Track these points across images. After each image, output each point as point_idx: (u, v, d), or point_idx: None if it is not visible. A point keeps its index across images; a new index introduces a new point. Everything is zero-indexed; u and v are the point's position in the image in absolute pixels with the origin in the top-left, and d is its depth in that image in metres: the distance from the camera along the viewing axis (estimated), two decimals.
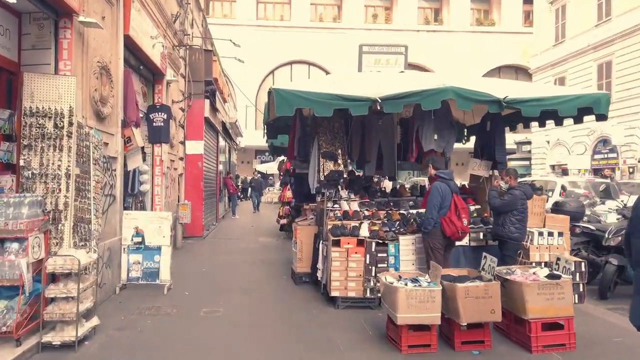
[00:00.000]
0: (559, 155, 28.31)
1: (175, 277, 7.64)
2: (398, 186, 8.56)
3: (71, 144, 5.21)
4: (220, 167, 19.58)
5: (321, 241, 7.08)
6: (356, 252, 6.41)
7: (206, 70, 12.54)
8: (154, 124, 9.65)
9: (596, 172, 24.88)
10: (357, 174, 9.83)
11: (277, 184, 30.95)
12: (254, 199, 22.43)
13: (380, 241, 6.48)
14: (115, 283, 6.92)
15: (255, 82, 34.85)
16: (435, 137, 6.91)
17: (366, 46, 16.10)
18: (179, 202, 11.77)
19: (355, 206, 7.51)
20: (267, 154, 36.29)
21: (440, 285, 4.82)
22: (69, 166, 5.19)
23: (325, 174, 7.12)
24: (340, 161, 7.27)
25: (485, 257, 5.22)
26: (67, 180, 5.16)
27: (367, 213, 7.28)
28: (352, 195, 7.81)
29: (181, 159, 12.29)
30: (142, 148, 9.61)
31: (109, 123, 6.68)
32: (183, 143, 12.41)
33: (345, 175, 7.74)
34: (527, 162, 30.96)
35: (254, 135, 33.17)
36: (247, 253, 10.97)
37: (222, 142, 19.58)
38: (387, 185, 13.25)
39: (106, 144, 6.56)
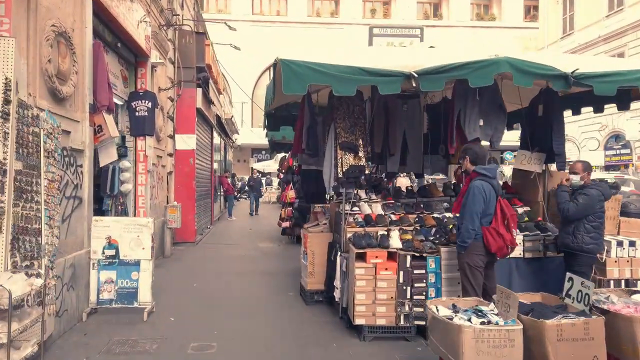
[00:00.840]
0: (567, 151, 27.12)
1: (160, 295, 6.27)
2: (427, 184, 7.20)
3: (8, 128, 3.83)
4: (215, 165, 18.15)
5: (339, 253, 5.71)
6: (386, 269, 5.04)
7: (198, 55, 11.14)
8: (137, 113, 8.29)
9: (607, 168, 23.83)
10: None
11: (275, 182, 29.54)
12: (251, 200, 20.65)
13: (417, 254, 5.12)
14: (82, 307, 5.53)
15: (251, 79, 33.62)
16: (481, 123, 5.55)
17: (377, 28, 14.59)
18: (167, 203, 10.38)
19: (378, 209, 6.16)
20: (264, 152, 35.05)
21: (519, 323, 3.47)
22: (5, 159, 3.81)
23: (343, 170, 5.75)
24: (361, 154, 5.90)
25: (570, 279, 3.87)
26: (1, 178, 3.78)
27: (394, 217, 5.92)
28: (373, 195, 6.45)
29: (170, 155, 10.89)
30: (124, 140, 8.29)
31: (71, 106, 5.29)
32: (172, 137, 11.00)
33: (367, 171, 6.39)
34: None
35: (251, 131, 31.92)
36: (245, 262, 9.60)
37: (217, 138, 18.16)
38: (403, 183, 11.86)
39: (67, 132, 5.17)
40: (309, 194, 8.87)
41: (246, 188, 22.75)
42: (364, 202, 6.25)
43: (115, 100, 7.93)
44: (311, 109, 6.75)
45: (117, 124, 8.37)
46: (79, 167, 5.49)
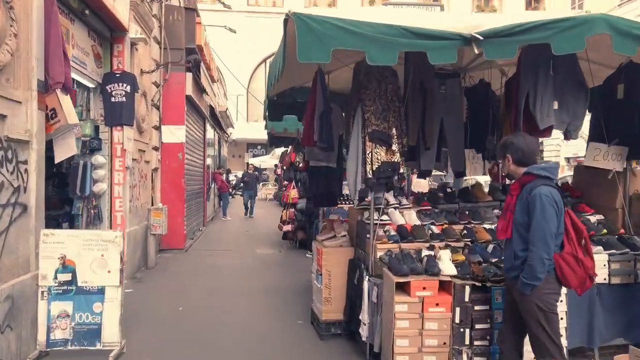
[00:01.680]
0: (574, 147, 25.76)
1: (134, 326, 4.93)
2: (470, 186, 5.87)
3: None
4: (209, 161, 16.72)
5: (366, 276, 4.38)
6: (437, 304, 3.71)
7: (188, 34, 9.73)
8: (113, 98, 6.94)
9: None
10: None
11: (272, 179, 28.09)
12: (246, 200, 18.87)
13: (478, 284, 3.78)
14: (26, 352, 4.14)
15: (247, 72, 32.31)
16: (555, 106, 4.22)
17: (391, 4, 13.29)
18: (152, 205, 9.00)
19: (412, 217, 4.83)
20: (259, 147, 33.62)
21: None
22: None
23: (373, 168, 4.39)
24: (395, 147, 4.54)
25: None
26: None
27: (435, 229, 4.58)
28: (404, 200, 5.11)
29: (155, 149, 9.50)
30: (97, 130, 6.96)
31: (8, 81, 3.91)
32: (158, 128, 9.61)
33: (401, 170, 5.05)
34: None
35: (249, 125, 30.66)
36: (242, 274, 8.24)
37: (210, 131, 16.72)
38: (420, 184, 10.52)
39: (2, 116, 3.80)
40: (317, 195, 7.49)
41: (241, 184, 21.14)
42: (394, 208, 4.92)
43: (85, 81, 6.60)
44: (324, 91, 5.37)
45: (88, 111, 7.01)
46: (21, 164, 4.11)
